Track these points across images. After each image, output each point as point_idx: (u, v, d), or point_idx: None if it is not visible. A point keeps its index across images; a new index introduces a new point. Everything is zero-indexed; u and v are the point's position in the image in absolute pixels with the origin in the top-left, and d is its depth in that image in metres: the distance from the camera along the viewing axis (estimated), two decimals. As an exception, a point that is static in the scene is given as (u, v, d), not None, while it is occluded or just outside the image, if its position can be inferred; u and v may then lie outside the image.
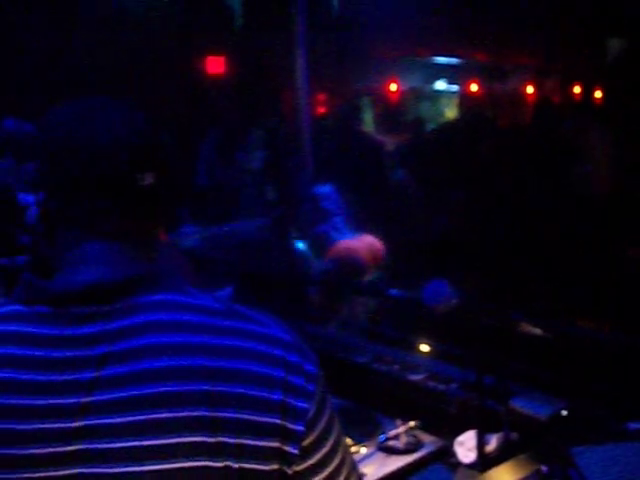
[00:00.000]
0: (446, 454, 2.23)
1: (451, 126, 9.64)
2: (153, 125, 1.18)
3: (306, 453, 1.10)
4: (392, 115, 9.73)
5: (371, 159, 7.32)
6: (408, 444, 2.29)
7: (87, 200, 1.10)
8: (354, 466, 1.22)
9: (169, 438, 1.02)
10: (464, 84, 11.40)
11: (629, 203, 4.83)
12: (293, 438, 1.08)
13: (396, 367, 2.62)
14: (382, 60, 11.06)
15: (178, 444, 1.02)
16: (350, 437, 2.33)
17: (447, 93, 12.49)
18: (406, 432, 2.32)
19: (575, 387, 2.15)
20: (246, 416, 1.06)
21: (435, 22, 9.49)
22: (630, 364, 2.17)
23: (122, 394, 1.03)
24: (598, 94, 9.79)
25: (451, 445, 2.20)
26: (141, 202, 1.14)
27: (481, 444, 2.07)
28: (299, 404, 1.09)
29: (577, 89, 10.70)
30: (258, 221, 4.84)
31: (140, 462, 1.03)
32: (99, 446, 1.03)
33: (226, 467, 1.04)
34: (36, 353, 1.04)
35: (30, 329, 1.06)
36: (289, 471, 1.08)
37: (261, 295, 3.10)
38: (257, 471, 1.06)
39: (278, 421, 1.07)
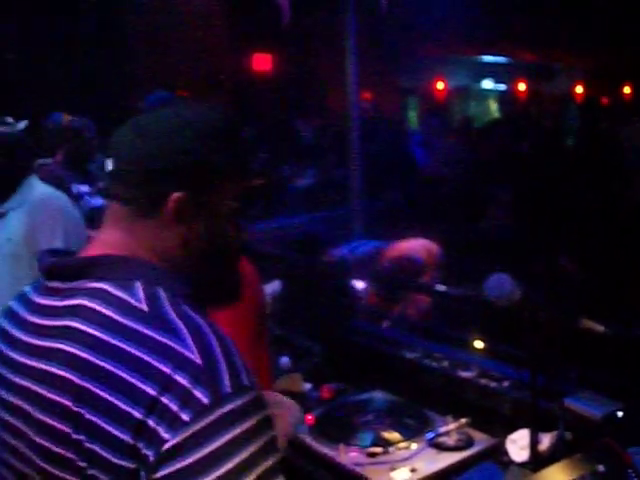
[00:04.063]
0: (497, 452, 2.21)
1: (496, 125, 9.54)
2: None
3: None
4: (440, 113, 9.70)
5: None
6: (459, 441, 2.27)
7: None
8: None
9: (43, 416, 1.10)
10: (511, 83, 11.31)
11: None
12: (145, 465, 1.00)
13: (446, 364, 2.60)
14: (429, 59, 11.02)
15: (51, 425, 1.09)
16: (400, 433, 2.33)
17: (494, 92, 12.39)
18: (457, 429, 2.30)
19: (632, 388, 2.12)
20: (101, 423, 1.03)
21: (483, 21, 9.42)
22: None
23: (32, 362, 1.14)
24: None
25: (502, 443, 2.18)
26: None
27: (534, 442, 2.04)
28: (159, 430, 0.99)
29: (627, 89, 10.54)
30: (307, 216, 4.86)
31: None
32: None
33: (80, 469, 1.05)
34: (27, 317, 1.21)
35: (35, 297, 1.23)
36: None
37: (309, 290, 3.11)
38: None
39: (130, 440, 1.01)
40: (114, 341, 1.06)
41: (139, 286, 1.12)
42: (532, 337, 1.88)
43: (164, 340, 1.05)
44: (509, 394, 2.35)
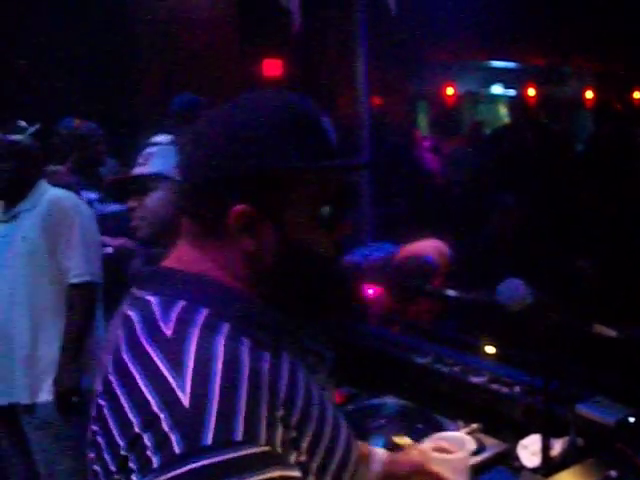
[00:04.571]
0: (509, 457, 2.21)
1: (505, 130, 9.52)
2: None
3: None
4: (448, 119, 9.70)
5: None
6: (470, 446, 2.27)
7: None
8: None
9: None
10: (521, 88, 11.28)
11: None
12: None
13: (457, 369, 2.60)
14: (438, 64, 11.02)
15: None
16: (411, 438, 2.33)
17: (504, 97, 12.38)
18: (468, 434, 2.30)
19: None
20: (103, 448, 0.97)
21: (492, 25, 9.41)
22: None
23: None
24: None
25: (514, 449, 2.18)
26: None
27: (546, 448, 2.04)
28: (134, 470, 0.90)
29: (638, 94, 10.50)
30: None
31: None
32: None
33: None
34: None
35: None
36: None
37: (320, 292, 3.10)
38: None
39: (116, 475, 0.93)
40: (128, 361, 0.99)
41: (179, 306, 1.02)
42: (544, 341, 1.88)
43: (164, 371, 0.94)
44: (520, 399, 2.34)
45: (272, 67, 9.81)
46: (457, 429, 2.31)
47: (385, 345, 2.88)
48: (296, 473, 0.96)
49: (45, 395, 3.02)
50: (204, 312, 1.01)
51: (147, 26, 8.55)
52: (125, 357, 1.00)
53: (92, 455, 1.01)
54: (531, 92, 10.91)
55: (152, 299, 1.05)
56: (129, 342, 1.02)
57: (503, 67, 12.14)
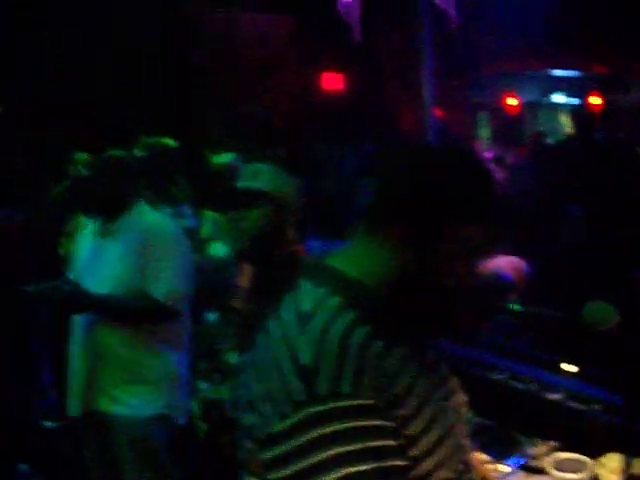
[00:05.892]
0: (588, 476, 2.19)
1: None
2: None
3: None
4: (510, 129, 9.62)
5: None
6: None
7: None
8: None
9: None
10: (584, 97, 11.11)
11: None
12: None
13: (533, 386, 2.58)
14: (498, 74, 10.94)
15: None
16: (488, 455, 2.32)
17: (566, 106, 12.22)
18: (547, 452, 2.29)
19: None
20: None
21: (553, 34, 9.32)
22: None
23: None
24: None
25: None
26: None
27: (627, 467, 2.03)
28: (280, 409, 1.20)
29: None
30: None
31: None
32: None
33: None
34: None
35: None
36: None
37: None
38: None
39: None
40: (274, 329, 1.31)
41: (320, 292, 1.30)
42: (628, 360, 1.87)
43: (296, 333, 1.25)
44: (599, 417, 2.32)
45: (331, 80, 9.90)
46: (534, 447, 2.31)
47: (460, 361, 2.87)
48: (393, 424, 1.20)
49: (139, 411, 2.99)
50: (337, 300, 1.28)
51: (209, 42, 8.69)
52: (277, 328, 1.30)
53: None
54: (594, 101, 10.73)
55: (307, 285, 1.33)
56: (281, 314, 1.32)
57: (564, 76, 11.99)
